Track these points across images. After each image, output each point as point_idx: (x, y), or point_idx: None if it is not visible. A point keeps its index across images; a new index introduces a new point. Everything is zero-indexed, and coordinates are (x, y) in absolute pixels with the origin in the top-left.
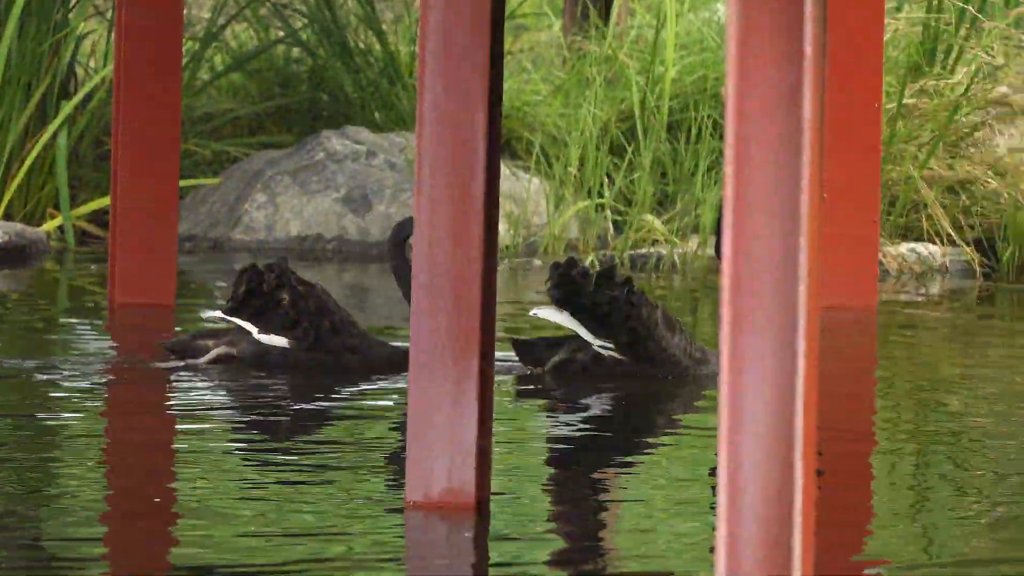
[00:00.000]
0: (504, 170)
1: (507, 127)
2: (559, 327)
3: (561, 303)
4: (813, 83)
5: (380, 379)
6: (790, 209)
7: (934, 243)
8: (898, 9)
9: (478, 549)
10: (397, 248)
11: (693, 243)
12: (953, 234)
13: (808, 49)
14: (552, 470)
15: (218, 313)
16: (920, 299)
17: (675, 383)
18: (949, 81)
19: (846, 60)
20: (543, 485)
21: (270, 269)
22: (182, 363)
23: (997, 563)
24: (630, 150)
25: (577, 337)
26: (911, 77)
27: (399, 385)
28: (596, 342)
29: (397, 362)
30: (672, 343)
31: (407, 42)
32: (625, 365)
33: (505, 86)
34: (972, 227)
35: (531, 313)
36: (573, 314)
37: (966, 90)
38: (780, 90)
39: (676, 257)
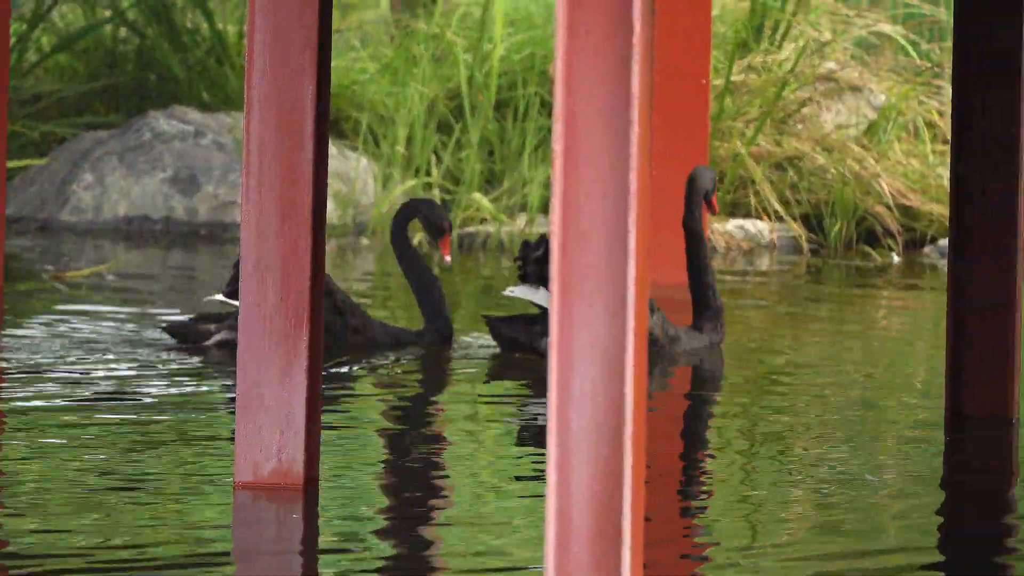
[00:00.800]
0: (332, 149)
1: (335, 106)
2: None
3: (540, 281)
4: (641, 60)
5: (373, 358)
6: (619, 185)
7: (762, 219)
8: None
9: (307, 529)
10: (400, 230)
11: (521, 221)
12: (781, 210)
13: (636, 26)
14: (386, 452)
15: (219, 296)
16: (749, 274)
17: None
18: (776, 57)
19: (674, 37)
20: (376, 465)
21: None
22: (185, 346)
23: (824, 559)
24: (458, 128)
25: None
26: (739, 53)
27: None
28: None
29: (401, 342)
30: (651, 321)
31: (235, 21)
32: None
33: (333, 65)
34: (800, 203)
35: (506, 292)
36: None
37: (793, 66)
38: (608, 67)
39: (504, 235)
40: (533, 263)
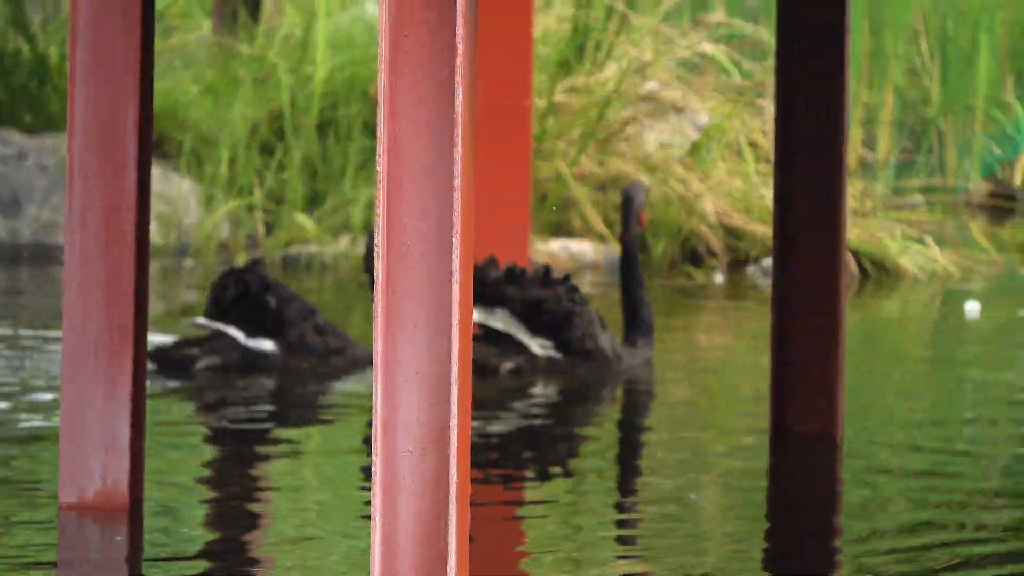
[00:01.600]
0: (155, 171)
1: (158, 127)
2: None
3: (492, 303)
4: (465, 81)
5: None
6: (443, 206)
7: (585, 240)
8: (548, 5)
9: (131, 550)
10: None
11: (344, 242)
12: (604, 231)
13: (459, 47)
14: (208, 470)
15: (201, 320)
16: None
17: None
18: (599, 78)
19: (496, 57)
20: (198, 484)
21: (250, 271)
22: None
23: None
24: (280, 149)
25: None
26: (561, 74)
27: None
28: (536, 341)
29: None
30: (603, 340)
31: (57, 44)
32: (561, 364)
33: (155, 87)
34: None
35: None
36: (514, 312)
37: (616, 86)
38: (431, 88)
39: (327, 256)
40: (491, 284)
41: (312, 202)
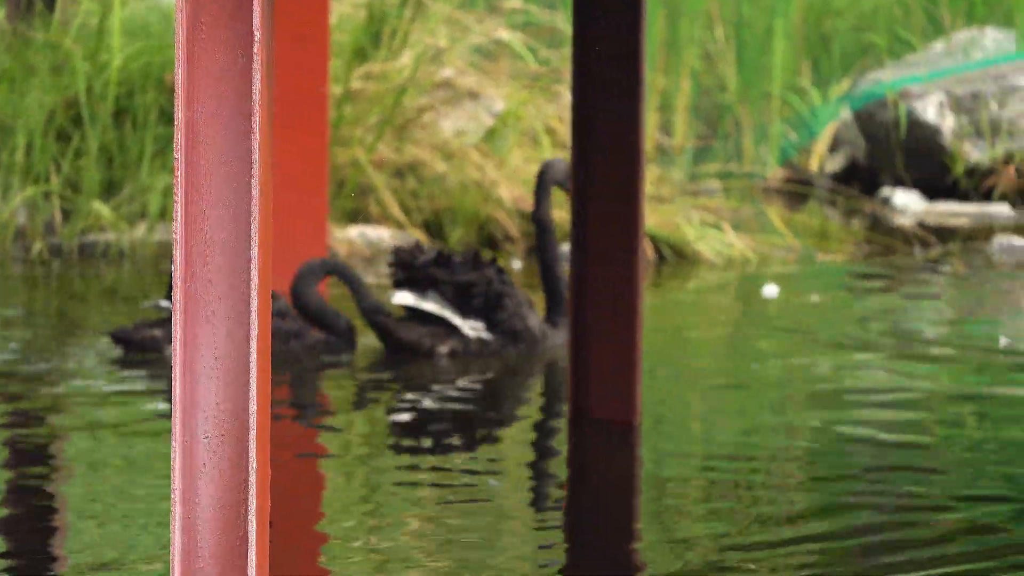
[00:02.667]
0: None
1: None
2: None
3: (421, 286)
4: (262, 67)
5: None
6: (241, 194)
7: (383, 226)
8: None
9: None
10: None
11: (141, 229)
12: (402, 217)
13: (257, 35)
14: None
15: (164, 303)
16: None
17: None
18: (395, 65)
19: (292, 44)
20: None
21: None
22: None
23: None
24: (77, 137)
25: (431, 319)
26: (357, 61)
27: None
28: (468, 323)
29: (348, 334)
30: (533, 320)
31: None
32: (492, 345)
33: None
34: (420, 210)
35: (395, 299)
36: (444, 295)
37: (412, 73)
38: (229, 75)
39: (124, 243)
40: (420, 268)
41: (109, 189)
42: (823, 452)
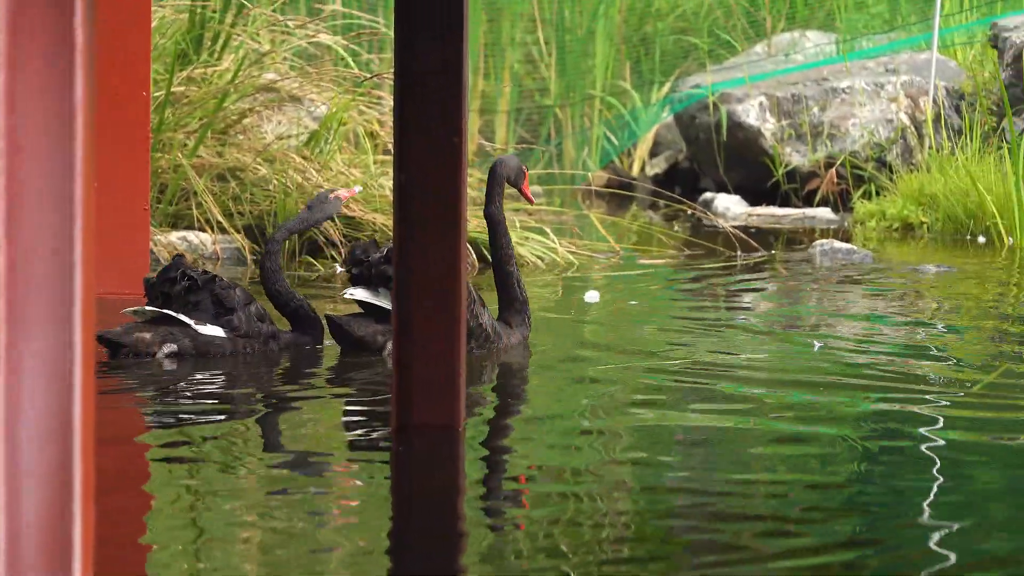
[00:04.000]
0: None
1: None
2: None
3: (376, 282)
4: (84, 71)
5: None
6: (64, 198)
7: (204, 231)
8: None
9: None
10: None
11: None
12: (223, 221)
13: (78, 37)
14: None
15: (149, 308)
16: None
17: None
18: (217, 69)
19: (114, 48)
20: None
21: (184, 265)
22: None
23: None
24: None
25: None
26: (179, 65)
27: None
28: None
29: (318, 335)
30: (485, 318)
31: None
32: None
33: None
34: (242, 214)
35: (345, 295)
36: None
37: (234, 77)
38: (50, 79)
39: None
40: (373, 265)
41: None
42: (642, 460)
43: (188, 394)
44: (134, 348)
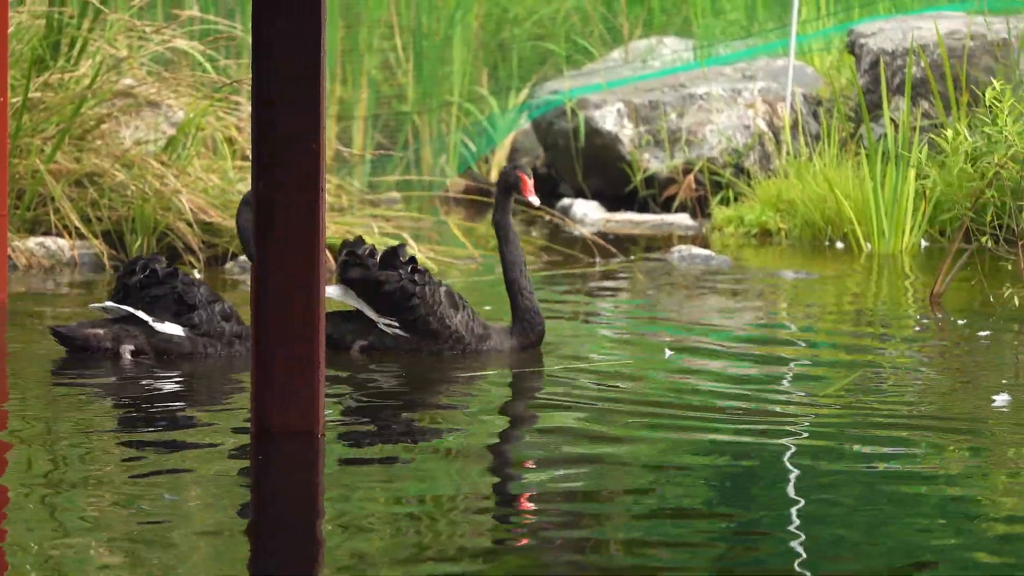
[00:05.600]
0: None
1: None
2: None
3: (348, 282)
4: None
5: None
6: None
7: (62, 236)
8: (20, 2)
9: None
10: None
11: None
12: (81, 227)
13: None
14: None
15: (109, 303)
16: (48, 294)
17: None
18: (74, 74)
19: None
20: None
21: (156, 260)
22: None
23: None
24: None
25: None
26: (36, 70)
27: None
28: (381, 320)
29: None
30: (455, 320)
31: None
32: (409, 342)
33: None
34: (100, 220)
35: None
36: (360, 293)
37: (91, 82)
38: None
39: None
40: (339, 267)
41: None
42: (496, 463)
43: (71, 392)
44: (86, 344)
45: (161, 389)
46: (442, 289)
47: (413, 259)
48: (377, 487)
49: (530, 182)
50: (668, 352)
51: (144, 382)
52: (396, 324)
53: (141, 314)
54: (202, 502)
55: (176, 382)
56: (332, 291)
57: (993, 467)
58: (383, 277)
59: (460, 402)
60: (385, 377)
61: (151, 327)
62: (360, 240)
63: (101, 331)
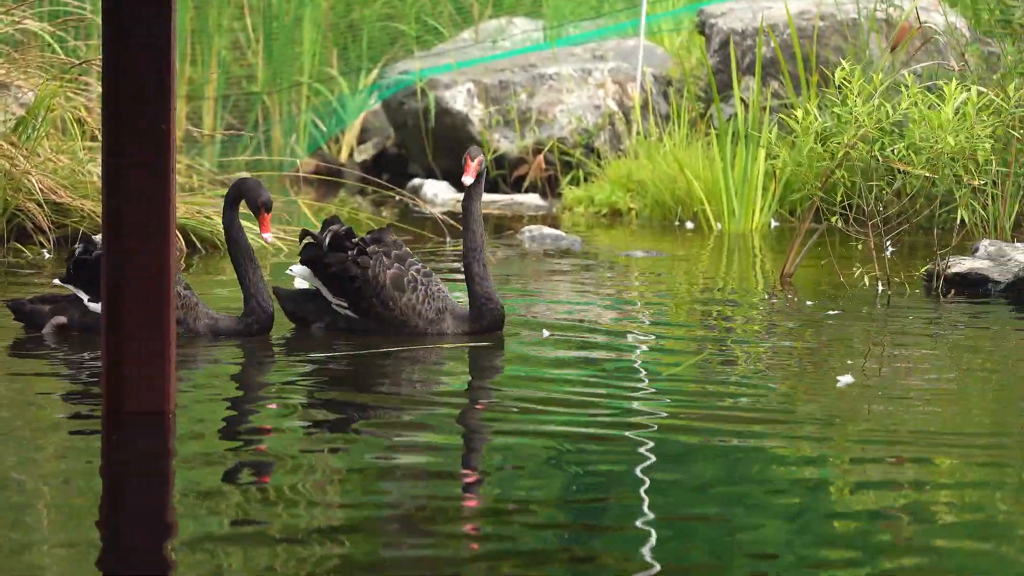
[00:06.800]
0: None
1: None
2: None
3: (304, 263)
4: None
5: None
6: None
7: None
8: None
9: None
10: (231, 208)
11: None
12: None
13: None
14: None
15: (56, 281)
16: None
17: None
18: None
19: None
20: None
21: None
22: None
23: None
24: None
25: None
26: None
27: None
28: (334, 300)
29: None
30: (400, 303)
31: None
32: (359, 322)
33: None
34: None
35: (288, 271)
36: (315, 273)
37: None
38: None
39: None
40: (304, 249)
41: None
42: (350, 441)
43: None
44: (30, 319)
45: (42, 366)
46: (389, 272)
47: (362, 241)
48: (224, 461)
49: (472, 164)
50: (546, 332)
51: (32, 358)
52: (345, 305)
53: (79, 292)
54: (50, 481)
55: (64, 360)
56: (299, 270)
57: (834, 450)
58: (329, 259)
59: (323, 383)
60: (236, 360)
61: (85, 306)
62: (335, 218)
63: (47, 307)
